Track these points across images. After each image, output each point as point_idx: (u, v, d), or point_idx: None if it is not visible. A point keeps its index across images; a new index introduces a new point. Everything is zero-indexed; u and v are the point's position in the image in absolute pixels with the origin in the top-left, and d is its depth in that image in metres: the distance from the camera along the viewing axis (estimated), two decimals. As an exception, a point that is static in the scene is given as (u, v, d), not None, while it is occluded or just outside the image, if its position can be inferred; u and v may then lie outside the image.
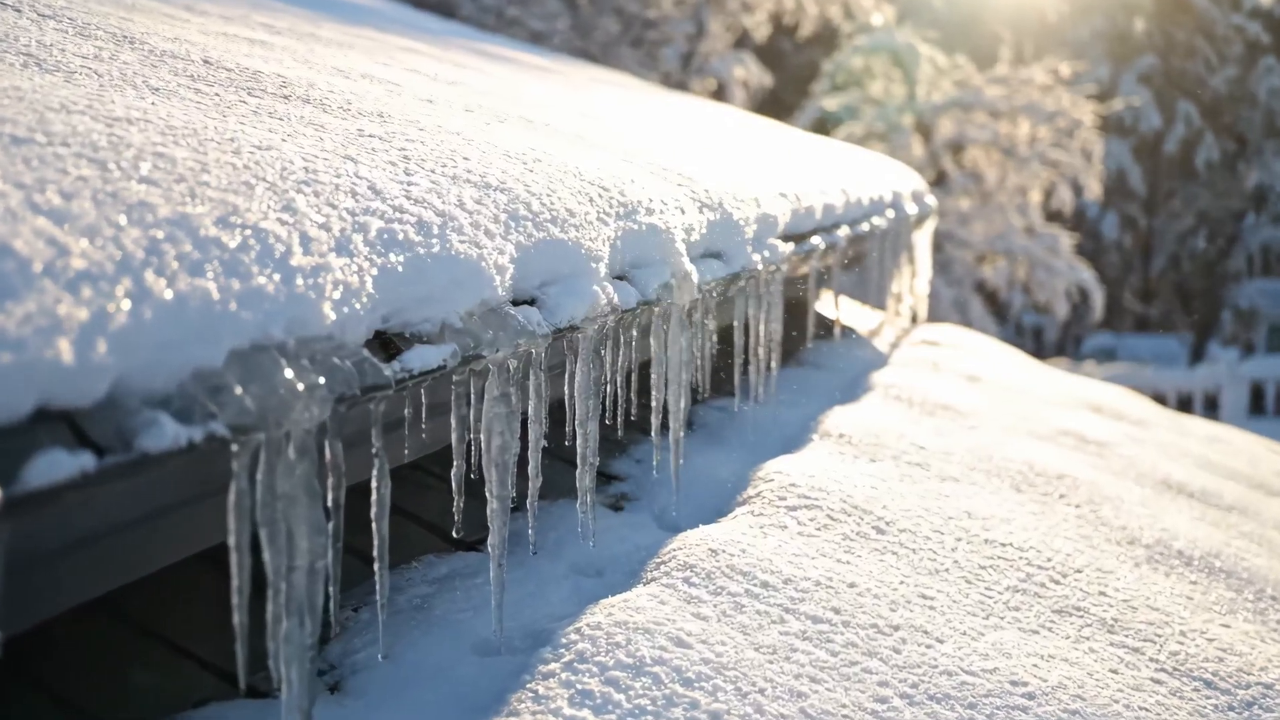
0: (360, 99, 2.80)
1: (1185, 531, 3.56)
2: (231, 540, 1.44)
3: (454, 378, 1.96)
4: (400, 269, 1.78)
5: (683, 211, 3.01)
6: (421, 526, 2.58)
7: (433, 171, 2.19)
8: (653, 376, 2.82)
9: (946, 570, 2.74)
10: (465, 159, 2.40)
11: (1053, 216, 21.42)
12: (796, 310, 4.93)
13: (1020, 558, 2.92)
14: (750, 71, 20.01)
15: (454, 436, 1.98)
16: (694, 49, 19.24)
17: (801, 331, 4.68)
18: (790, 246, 3.83)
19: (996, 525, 3.11)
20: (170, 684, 1.96)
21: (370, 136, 2.33)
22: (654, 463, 3.01)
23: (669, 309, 2.83)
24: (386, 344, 1.81)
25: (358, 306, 1.65)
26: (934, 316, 17.12)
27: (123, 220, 1.37)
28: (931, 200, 6.76)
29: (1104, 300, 21.05)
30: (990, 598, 2.65)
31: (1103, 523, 3.42)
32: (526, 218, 2.23)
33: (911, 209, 6.07)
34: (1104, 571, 2.98)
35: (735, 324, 3.53)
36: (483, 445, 2.03)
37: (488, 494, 2.04)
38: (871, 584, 2.51)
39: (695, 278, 2.89)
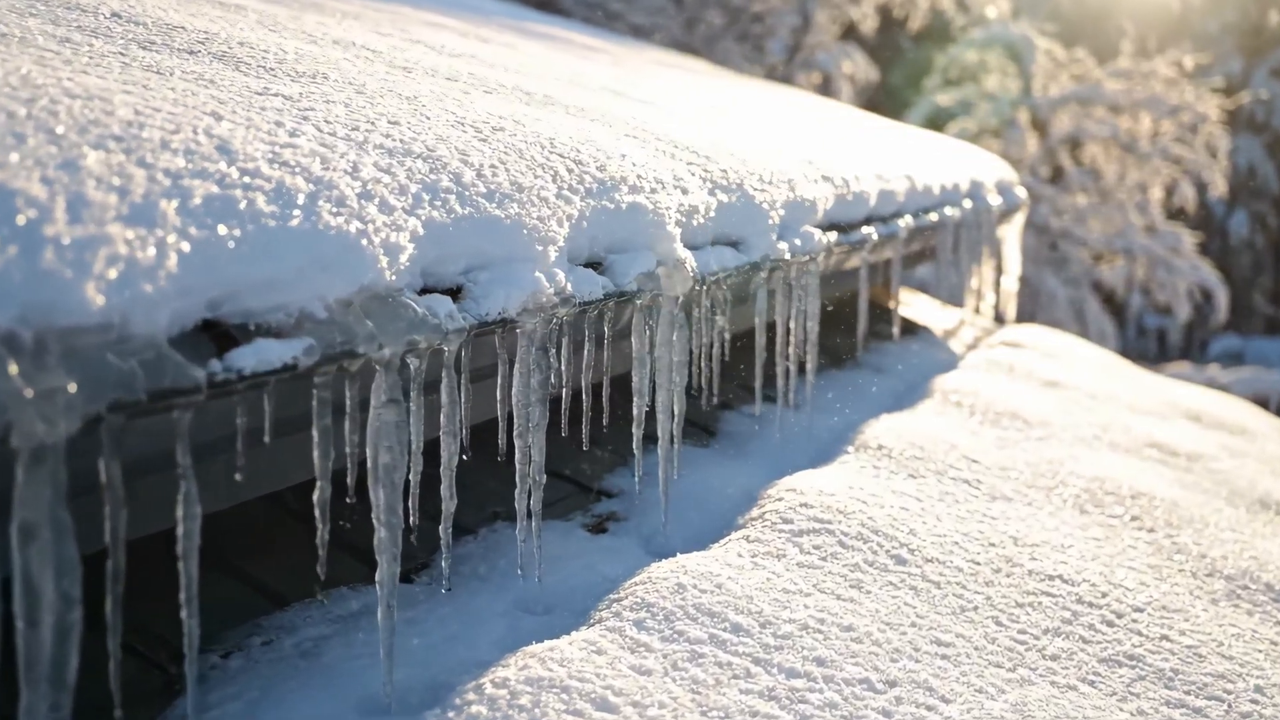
0: (300, 61, 2.46)
1: (1279, 561, 3.09)
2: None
3: (315, 380, 1.60)
4: (233, 245, 1.44)
5: (684, 192, 2.63)
6: (347, 553, 2.23)
7: (332, 135, 1.84)
8: (634, 380, 2.45)
9: (974, 609, 2.33)
10: (393, 124, 2.05)
11: (1175, 215, 20.54)
12: (850, 306, 4.50)
13: (1069, 593, 2.50)
14: (857, 65, 19.41)
15: (316, 453, 1.62)
16: (799, 42, 18.70)
17: (858, 330, 4.26)
18: (832, 236, 3.43)
19: (1047, 554, 2.69)
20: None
21: (274, 95, 1.99)
22: (637, 478, 2.62)
23: (657, 301, 2.46)
24: (222, 337, 1.47)
25: (149, 289, 1.31)
26: (1047, 317, 16.44)
27: None
28: (1021, 192, 6.26)
29: (1230, 301, 20.09)
30: (1023, 643, 2.24)
31: (1179, 550, 2.97)
32: (450, 190, 1.88)
33: (995, 200, 5.59)
34: (1171, 610, 2.55)
35: (764, 320, 3.14)
36: (368, 462, 1.68)
37: (374, 520, 1.68)
38: (874, 627, 2.11)
39: (692, 266, 2.52)
